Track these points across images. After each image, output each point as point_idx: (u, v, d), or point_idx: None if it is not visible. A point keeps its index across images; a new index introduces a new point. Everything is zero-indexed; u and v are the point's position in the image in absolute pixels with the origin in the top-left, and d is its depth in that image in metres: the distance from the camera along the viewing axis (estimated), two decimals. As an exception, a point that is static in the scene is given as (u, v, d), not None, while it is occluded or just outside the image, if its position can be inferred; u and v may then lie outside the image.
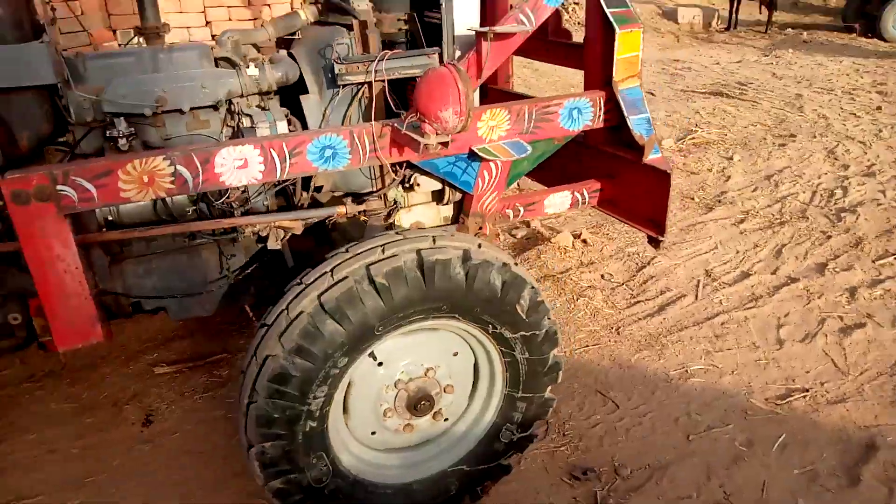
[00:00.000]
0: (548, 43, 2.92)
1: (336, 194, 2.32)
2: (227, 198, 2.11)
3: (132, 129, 1.96)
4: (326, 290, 1.67)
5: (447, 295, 1.77)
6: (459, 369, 1.99)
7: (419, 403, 1.91)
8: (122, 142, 1.94)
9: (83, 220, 1.96)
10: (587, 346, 2.95)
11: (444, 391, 1.97)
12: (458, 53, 2.18)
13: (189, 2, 4.45)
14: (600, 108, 2.34)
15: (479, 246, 1.86)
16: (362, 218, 2.26)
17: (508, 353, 1.95)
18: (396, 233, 1.82)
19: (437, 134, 1.89)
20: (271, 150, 1.91)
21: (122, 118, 1.93)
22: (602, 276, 3.52)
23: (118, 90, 1.93)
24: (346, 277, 1.68)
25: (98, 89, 1.93)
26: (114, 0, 4.20)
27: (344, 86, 2.11)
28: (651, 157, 2.34)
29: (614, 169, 2.53)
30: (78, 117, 1.91)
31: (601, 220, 4.10)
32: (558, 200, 2.53)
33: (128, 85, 1.94)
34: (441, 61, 2.13)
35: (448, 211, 2.44)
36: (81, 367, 2.88)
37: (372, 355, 1.84)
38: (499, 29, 2.10)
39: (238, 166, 1.89)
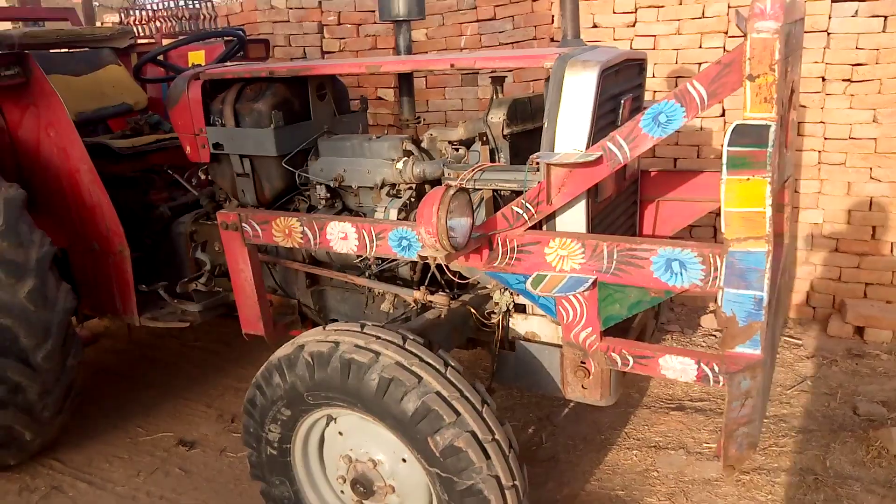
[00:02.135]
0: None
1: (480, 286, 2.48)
2: (382, 262, 2.59)
3: (329, 194, 2.64)
4: (284, 350, 2.04)
5: (357, 395, 1.87)
6: (407, 477, 1.99)
7: (358, 486, 2.05)
8: (321, 206, 2.66)
9: (291, 251, 2.78)
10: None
11: (390, 489, 2.03)
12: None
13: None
14: (713, 269, 1.80)
15: (419, 358, 1.86)
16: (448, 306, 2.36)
17: (437, 483, 1.87)
18: (364, 326, 2.00)
19: (428, 247, 1.94)
20: (363, 230, 2.31)
21: (321, 186, 2.64)
22: None
23: (318, 166, 2.65)
24: (298, 345, 2.01)
25: (326, 162, 2.69)
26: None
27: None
28: (738, 351, 1.67)
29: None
30: (299, 181, 2.72)
31: None
32: (678, 366, 2.01)
33: (325, 163, 2.63)
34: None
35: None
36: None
37: (333, 421, 2.09)
38: (574, 158, 1.91)
39: (341, 237, 2.37)
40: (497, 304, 2.35)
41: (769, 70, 1.65)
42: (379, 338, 1.92)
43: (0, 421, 2.64)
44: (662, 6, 3.92)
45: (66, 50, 3.72)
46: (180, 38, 3.47)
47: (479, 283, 2.47)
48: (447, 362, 1.91)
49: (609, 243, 1.93)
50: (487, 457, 1.81)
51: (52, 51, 3.67)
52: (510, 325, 2.36)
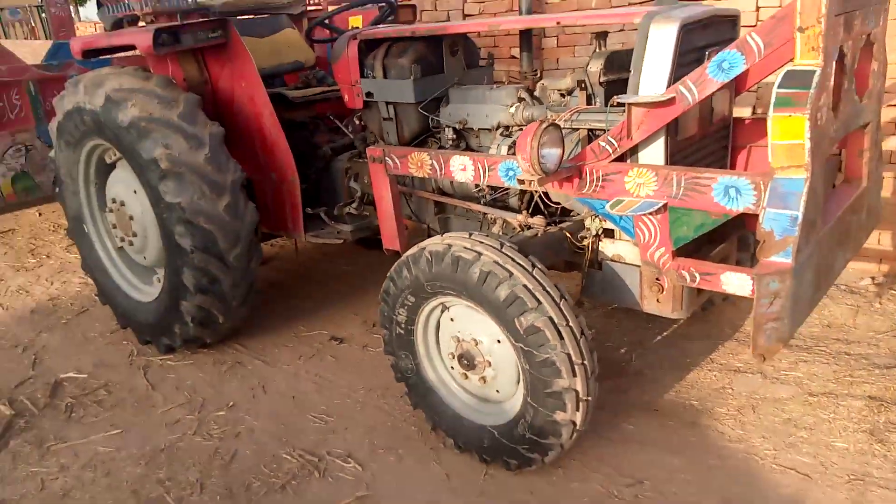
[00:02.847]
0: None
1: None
2: (496, 192, 3.10)
3: (455, 135, 3.18)
4: (412, 251, 2.61)
5: (463, 284, 2.40)
6: (501, 354, 2.51)
7: (463, 360, 2.60)
8: (448, 145, 3.20)
9: (423, 182, 3.34)
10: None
11: (488, 364, 2.56)
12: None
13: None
14: (763, 194, 2.13)
15: (512, 259, 2.35)
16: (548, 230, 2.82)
17: (522, 356, 2.38)
18: (472, 234, 2.51)
19: (525, 171, 2.40)
20: (478, 163, 2.82)
21: (448, 128, 3.18)
22: None
23: (448, 111, 3.18)
24: (422, 247, 2.57)
25: (454, 108, 3.22)
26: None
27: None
28: (772, 259, 2.01)
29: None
30: (432, 125, 3.26)
31: None
32: (737, 281, 2.34)
33: (453, 109, 3.16)
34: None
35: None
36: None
37: (445, 310, 2.64)
38: (650, 98, 2.30)
39: (461, 169, 2.89)
40: (588, 228, 2.77)
41: (816, 23, 1.95)
42: (482, 242, 2.43)
43: (203, 304, 3.46)
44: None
45: (252, 16, 4.49)
46: (343, 4, 4.10)
47: (574, 211, 2.91)
48: (535, 264, 2.39)
49: (678, 172, 2.30)
50: (561, 338, 2.28)
51: (239, 17, 4.47)
52: (599, 248, 2.77)
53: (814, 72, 1.97)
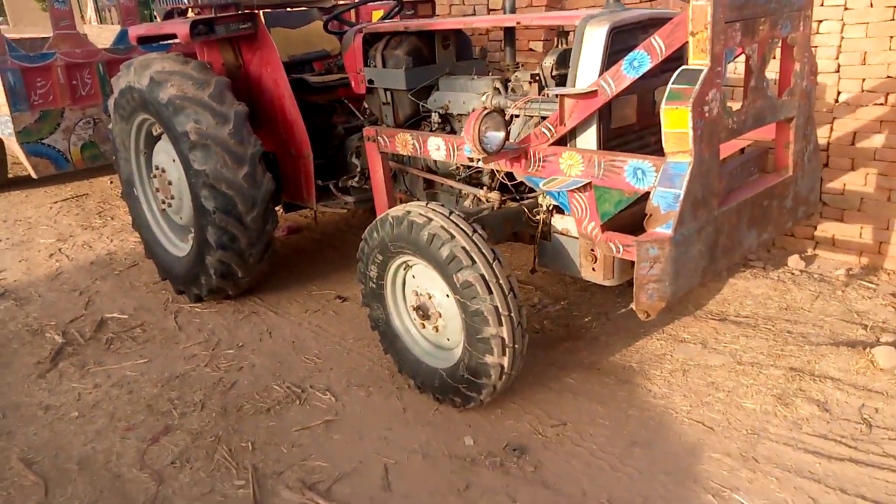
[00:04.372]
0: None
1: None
2: (468, 170, 3.52)
3: (440, 120, 3.60)
4: (380, 217, 3.06)
5: (416, 245, 2.84)
6: (448, 307, 2.93)
7: (419, 311, 3.04)
8: (434, 127, 3.63)
9: (413, 161, 3.79)
10: (713, 428, 2.81)
11: (440, 315, 2.99)
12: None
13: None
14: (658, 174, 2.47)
15: (455, 224, 2.77)
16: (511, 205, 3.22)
17: (460, 308, 2.80)
18: (428, 203, 2.94)
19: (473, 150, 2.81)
20: (448, 143, 3.24)
21: (435, 113, 3.60)
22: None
23: (434, 98, 3.61)
24: (387, 213, 3.01)
25: (440, 95, 3.64)
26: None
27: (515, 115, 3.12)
28: (655, 231, 2.36)
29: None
30: (423, 110, 3.70)
31: None
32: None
33: (439, 96, 3.59)
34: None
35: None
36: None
37: (408, 269, 3.09)
38: (574, 91, 2.67)
39: (436, 149, 3.32)
40: (540, 205, 3.16)
41: (704, 28, 2.28)
42: (434, 210, 2.86)
43: (224, 258, 4.01)
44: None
45: (287, 9, 5.03)
46: (354, 1, 4.58)
47: (533, 189, 3.29)
48: (476, 230, 2.80)
49: (599, 156, 2.66)
50: (490, 292, 2.69)
51: (278, 10, 5.02)
52: (551, 222, 3.16)
53: (701, 71, 2.31)
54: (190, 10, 4.53)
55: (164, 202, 4.44)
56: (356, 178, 4.15)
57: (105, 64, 5.89)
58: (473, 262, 2.71)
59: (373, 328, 3.36)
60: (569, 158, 2.77)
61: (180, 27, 4.04)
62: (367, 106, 4.10)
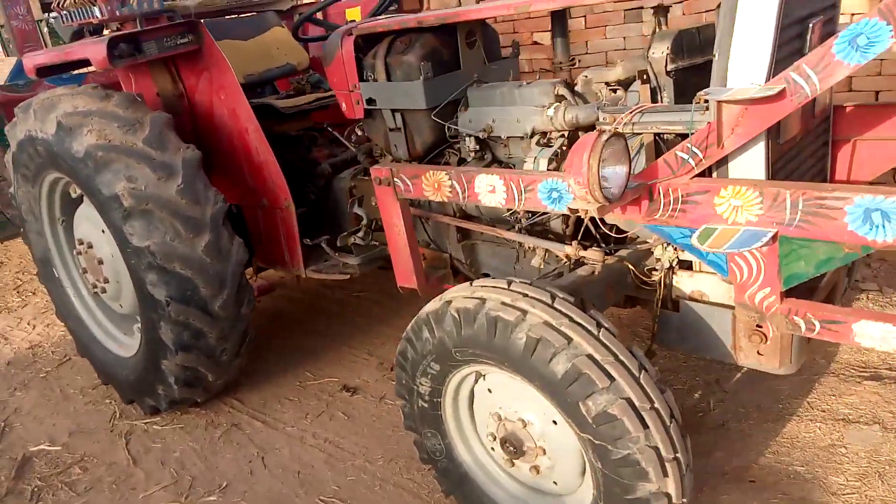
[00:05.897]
0: None
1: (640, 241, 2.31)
2: (533, 216, 2.49)
3: (478, 146, 2.57)
4: (432, 306, 2.01)
5: (504, 353, 1.81)
6: (558, 440, 1.91)
7: (507, 445, 2.00)
8: (470, 158, 2.59)
9: (443, 203, 2.74)
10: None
11: (541, 451, 1.96)
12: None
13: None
14: (924, 219, 1.50)
15: (568, 318, 1.75)
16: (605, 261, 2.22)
17: (590, 450, 1.78)
18: (510, 282, 1.91)
19: (579, 199, 1.80)
20: (511, 182, 2.21)
21: (469, 138, 2.56)
22: None
23: (468, 117, 2.57)
24: (446, 301, 1.97)
25: (475, 112, 2.60)
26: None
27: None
28: None
29: None
30: (449, 134, 2.66)
31: None
32: (878, 333, 1.73)
33: (474, 113, 2.55)
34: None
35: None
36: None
37: (482, 378, 2.05)
38: (748, 94, 1.67)
39: (489, 190, 2.28)
40: (659, 260, 2.16)
41: None
42: (526, 295, 1.83)
43: (187, 363, 2.90)
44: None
45: (236, 16, 3.91)
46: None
47: (638, 237, 2.29)
48: (600, 323, 1.79)
49: (793, 191, 1.68)
50: (645, 426, 1.68)
51: (223, 18, 3.89)
52: (674, 283, 2.17)
53: None
54: (106, 27, 3.38)
55: (94, 287, 3.29)
56: (360, 233, 3.08)
57: (1, 106, 4.67)
58: (612, 380, 1.69)
59: (424, 461, 2.31)
60: (734, 196, 1.77)
61: (94, 49, 2.90)
62: (364, 132, 3.03)
